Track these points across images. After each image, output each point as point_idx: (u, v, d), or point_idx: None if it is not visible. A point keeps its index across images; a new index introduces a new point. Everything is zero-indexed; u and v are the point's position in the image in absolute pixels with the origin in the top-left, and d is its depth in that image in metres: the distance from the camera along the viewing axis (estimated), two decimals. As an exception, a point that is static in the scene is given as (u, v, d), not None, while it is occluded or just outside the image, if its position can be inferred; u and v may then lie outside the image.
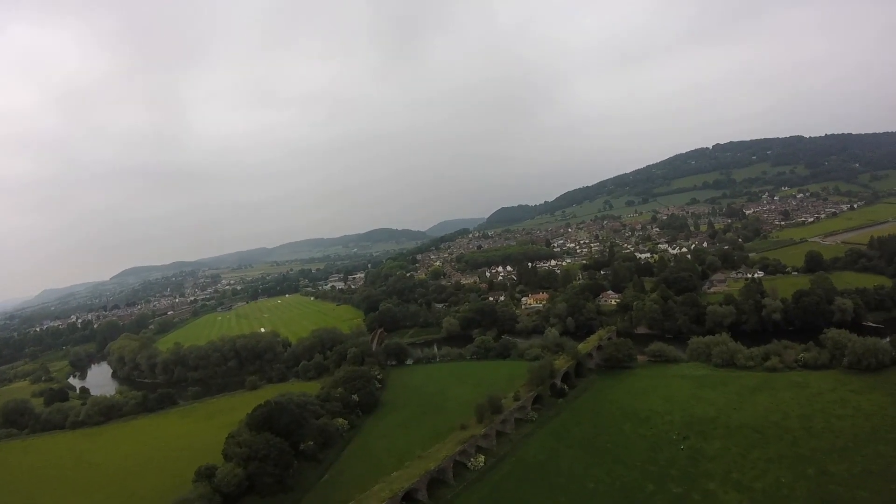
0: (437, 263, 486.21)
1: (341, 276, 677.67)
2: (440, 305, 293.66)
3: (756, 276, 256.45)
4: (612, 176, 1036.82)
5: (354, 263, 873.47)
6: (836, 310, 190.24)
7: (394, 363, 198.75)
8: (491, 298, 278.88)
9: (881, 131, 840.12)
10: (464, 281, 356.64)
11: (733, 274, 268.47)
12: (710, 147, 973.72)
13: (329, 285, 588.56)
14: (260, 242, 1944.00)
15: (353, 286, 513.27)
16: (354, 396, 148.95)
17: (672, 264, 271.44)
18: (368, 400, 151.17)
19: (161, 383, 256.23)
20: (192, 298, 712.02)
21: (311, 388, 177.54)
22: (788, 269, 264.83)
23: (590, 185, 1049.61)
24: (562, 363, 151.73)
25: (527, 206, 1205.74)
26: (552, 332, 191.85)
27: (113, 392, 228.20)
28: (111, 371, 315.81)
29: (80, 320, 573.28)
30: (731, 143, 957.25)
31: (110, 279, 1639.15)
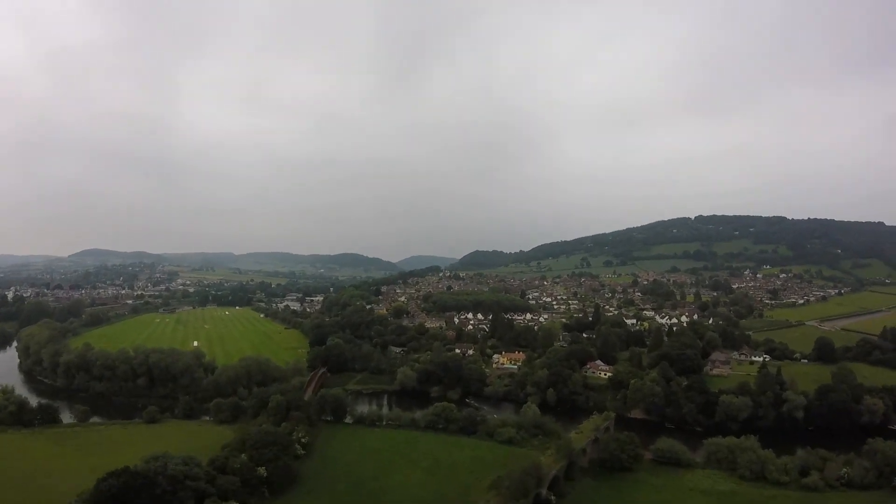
0: (402, 299, 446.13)
1: (299, 295, 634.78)
2: (398, 350, 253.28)
3: (763, 359, 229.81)
4: (590, 234, 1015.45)
5: (317, 284, 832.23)
6: (864, 410, 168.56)
7: (329, 419, 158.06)
8: (458, 350, 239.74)
9: (863, 220, 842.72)
10: (429, 324, 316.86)
11: (735, 355, 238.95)
12: (693, 218, 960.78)
13: (284, 304, 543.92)
14: (227, 246, 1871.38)
15: (308, 309, 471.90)
16: (261, 470, 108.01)
17: (668, 338, 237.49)
18: (281, 476, 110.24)
19: (61, 388, 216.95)
20: (138, 293, 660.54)
21: (219, 436, 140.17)
22: (797, 354, 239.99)
23: (567, 239, 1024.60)
24: (549, 462, 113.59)
25: (501, 252, 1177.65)
26: (531, 409, 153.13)
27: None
28: (18, 361, 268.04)
29: (12, 295, 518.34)
30: (713, 216, 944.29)
31: (68, 256, 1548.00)
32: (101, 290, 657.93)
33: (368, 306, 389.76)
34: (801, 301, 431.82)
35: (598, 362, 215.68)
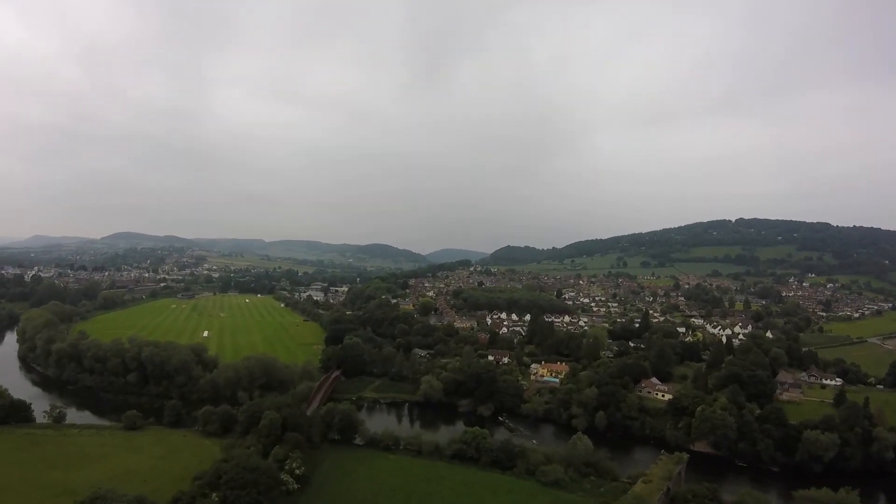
0: (431, 294, 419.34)
1: (324, 285, 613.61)
2: (423, 353, 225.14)
3: (835, 382, 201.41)
4: (626, 233, 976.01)
5: (345, 274, 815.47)
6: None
7: (336, 438, 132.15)
8: (491, 358, 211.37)
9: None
10: (459, 324, 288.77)
11: (804, 376, 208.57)
12: (733, 220, 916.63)
13: (307, 293, 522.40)
14: (259, 234, 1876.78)
15: (332, 300, 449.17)
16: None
17: (731, 355, 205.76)
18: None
19: (52, 378, 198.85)
20: (161, 276, 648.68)
21: (203, 453, 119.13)
22: (871, 379, 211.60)
23: (603, 238, 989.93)
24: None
25: (534, 248, 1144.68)
26: (582, 442, 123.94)
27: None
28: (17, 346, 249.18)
29: (32, 274, 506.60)
30: (755, 219, 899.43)
31: (100, 239, 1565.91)
32: (125, 273, 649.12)
33: (394, 300, 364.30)
34: (857, 314, 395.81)
35: (654, 380, 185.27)
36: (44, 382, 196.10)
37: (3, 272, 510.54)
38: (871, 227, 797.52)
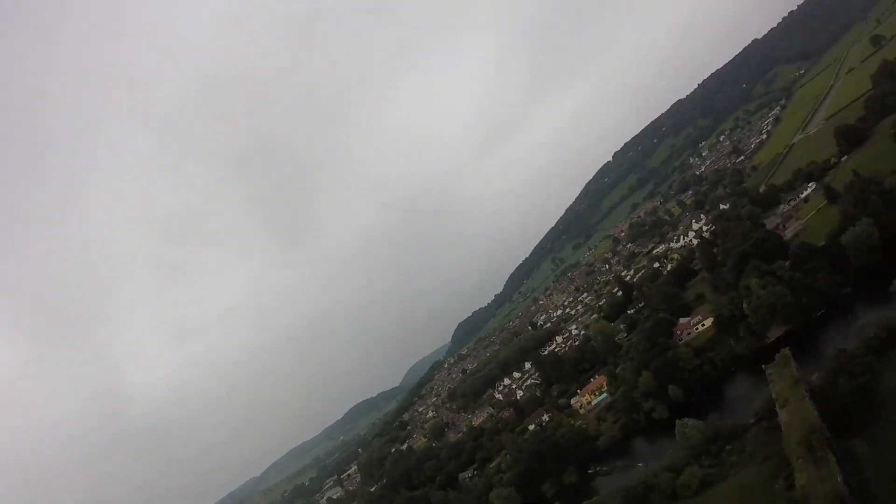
0: (430, 414, 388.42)
1: (335, 478, 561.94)
2: (468, 475, 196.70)
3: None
4: (542, 236, 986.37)
5: (345, 454, 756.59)
6: None
7: None
8: (531, 427, 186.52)
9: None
10: (476, 421, 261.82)
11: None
12: (611, 158, 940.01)
13: (324, 497, 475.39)
14: (248, 474, 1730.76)
15: (350, 487, 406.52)
16: None
17: (714, 246, 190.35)
18: None
19: None
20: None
21: None
22: None
23: (527, 255, 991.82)
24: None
25: (481, 308, 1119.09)
26: (686, 426, 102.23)
27: None
28: None
29: None
30: (626, 143, 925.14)
31: None
32: None
33: (404, 446, 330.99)
34: (764, 135, 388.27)
35: (682, 320, 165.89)
36: None
37: None
38: (710, 73, 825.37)
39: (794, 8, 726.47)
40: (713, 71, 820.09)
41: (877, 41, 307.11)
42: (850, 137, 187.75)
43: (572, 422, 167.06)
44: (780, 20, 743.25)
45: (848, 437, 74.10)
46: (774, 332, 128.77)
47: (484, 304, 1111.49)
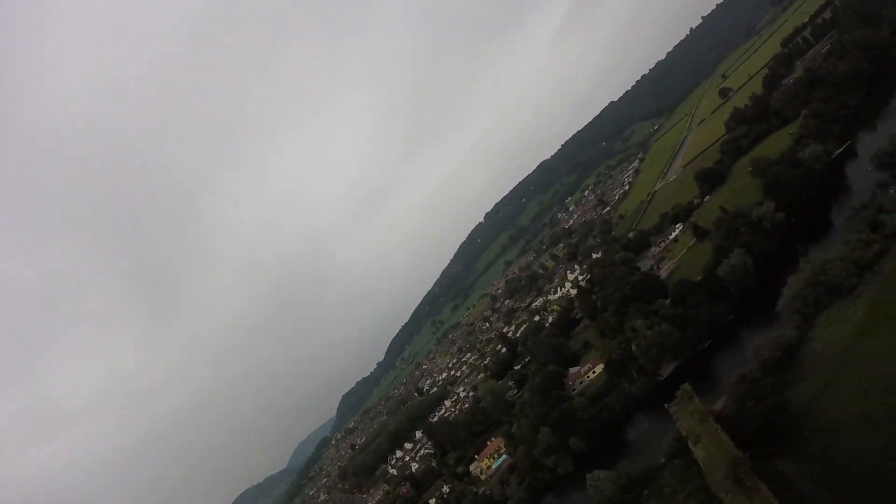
0: (323, 497, 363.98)
1: None
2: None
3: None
4: (420, 299, 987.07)
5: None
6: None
7: None
8: (432, 501, 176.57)
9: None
10: (372, 501, 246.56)
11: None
12: (483, 220, 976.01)
13: None
14: None
15: None
16: None
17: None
18: None
19: None
20: None
21: None
22: None
23: (407, 320, 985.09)
24: None
25: (364, 378, 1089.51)
26: (602, 482, 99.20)
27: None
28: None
29: None
30: (497, 203, 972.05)
31: None
32: None
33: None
34: (626, 187, 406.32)
35: (574, 369, 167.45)
36: None
37: None
38: (571, 135, 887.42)
39: (646, 72, 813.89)
40: (574, 132, 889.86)
41: (724, 93, 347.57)
42: (710, 178, 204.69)
43: (475, 490, 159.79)
44: (633, 83, 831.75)
45: (771, 459, 74.39)
46: (666, 369, 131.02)
47: (367, 374, 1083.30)
